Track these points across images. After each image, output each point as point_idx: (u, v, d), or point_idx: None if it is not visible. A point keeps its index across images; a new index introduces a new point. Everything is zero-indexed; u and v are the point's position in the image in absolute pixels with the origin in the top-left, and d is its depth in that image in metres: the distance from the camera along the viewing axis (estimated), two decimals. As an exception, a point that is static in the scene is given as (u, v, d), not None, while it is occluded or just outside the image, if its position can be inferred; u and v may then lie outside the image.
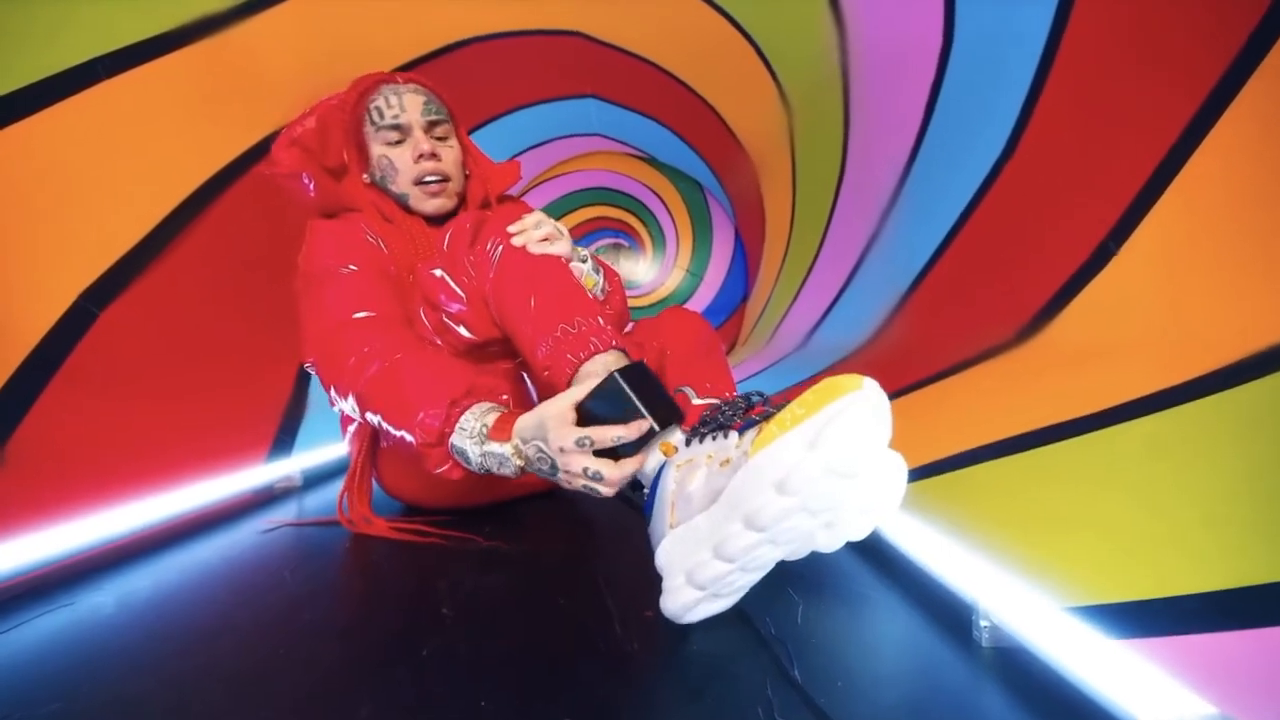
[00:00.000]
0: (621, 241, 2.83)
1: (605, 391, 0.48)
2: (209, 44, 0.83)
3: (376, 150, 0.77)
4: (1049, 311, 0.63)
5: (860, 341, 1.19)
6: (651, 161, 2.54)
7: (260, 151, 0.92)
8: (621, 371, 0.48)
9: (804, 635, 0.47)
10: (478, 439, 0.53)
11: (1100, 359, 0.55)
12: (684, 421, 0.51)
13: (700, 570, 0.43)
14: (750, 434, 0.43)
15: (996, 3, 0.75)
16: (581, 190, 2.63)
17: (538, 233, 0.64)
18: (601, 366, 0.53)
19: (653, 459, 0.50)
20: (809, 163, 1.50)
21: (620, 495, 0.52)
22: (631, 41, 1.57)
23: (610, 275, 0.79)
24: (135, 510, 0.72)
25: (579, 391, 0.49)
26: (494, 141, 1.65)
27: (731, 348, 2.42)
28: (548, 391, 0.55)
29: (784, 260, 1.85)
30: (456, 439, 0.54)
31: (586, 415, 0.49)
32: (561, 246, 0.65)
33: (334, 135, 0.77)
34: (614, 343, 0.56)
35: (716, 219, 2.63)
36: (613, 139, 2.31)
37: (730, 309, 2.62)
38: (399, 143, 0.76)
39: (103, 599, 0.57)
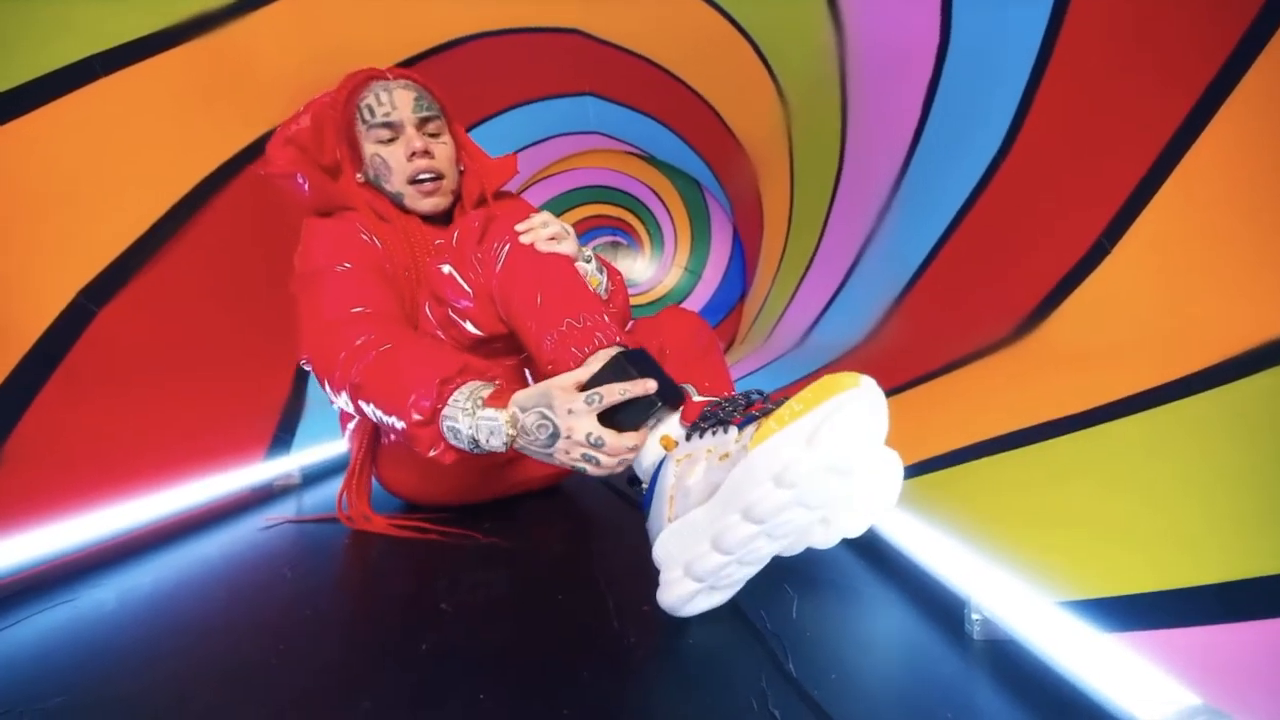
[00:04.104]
0: (620, 239, 2.83)
1: (610, 369, 0.50)
2: (206, 41, 0.82)
3: (369, 149, 0.77)
4: (1045, 308, 0.63)
5: (857, 339, 1.20)
6: (650, 159, 2.54)
7: (257, 149, 0.92)
8: (625, 353, 0.51)
9: (799, 629, 0.48)
10: (470, 409, 0.53)
11: (1097, 355, 0.55)
12: (683, 403, 0.52)
13: (698, 562, 0.44)
14: (750, 429, 0.44)
15: (993, 2, 0.75)
16: (580, 188, 2.62)
17: (545, 231, 0.65)
18: (605, 359, 0.54)
19: (652, 452, 0.51)
20: (807, 161, 1.50)
21: (614, 487, 0.53)
22: (630, 39, 1.56)
23: (613, 274, 0.79)
24: (135, 507, 0.72)
25: (583, 371, 0.51)
26: (492, 139, 1.64)
27: (729, 345, 2.42)
28: None
29: (782, 258, 1.85)
30: (449, 411, 0.54)
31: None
32: (568, 246, 0.66)
33: (328, 133, 0.76)
34: (617, 338, 0.56)
35: (715, 217, 2.63)
36: (611, 137, 2.31)
37: (728, 307, 2.62)
38: (391, 140, 0.76)
39: (103, 595, 0.57)
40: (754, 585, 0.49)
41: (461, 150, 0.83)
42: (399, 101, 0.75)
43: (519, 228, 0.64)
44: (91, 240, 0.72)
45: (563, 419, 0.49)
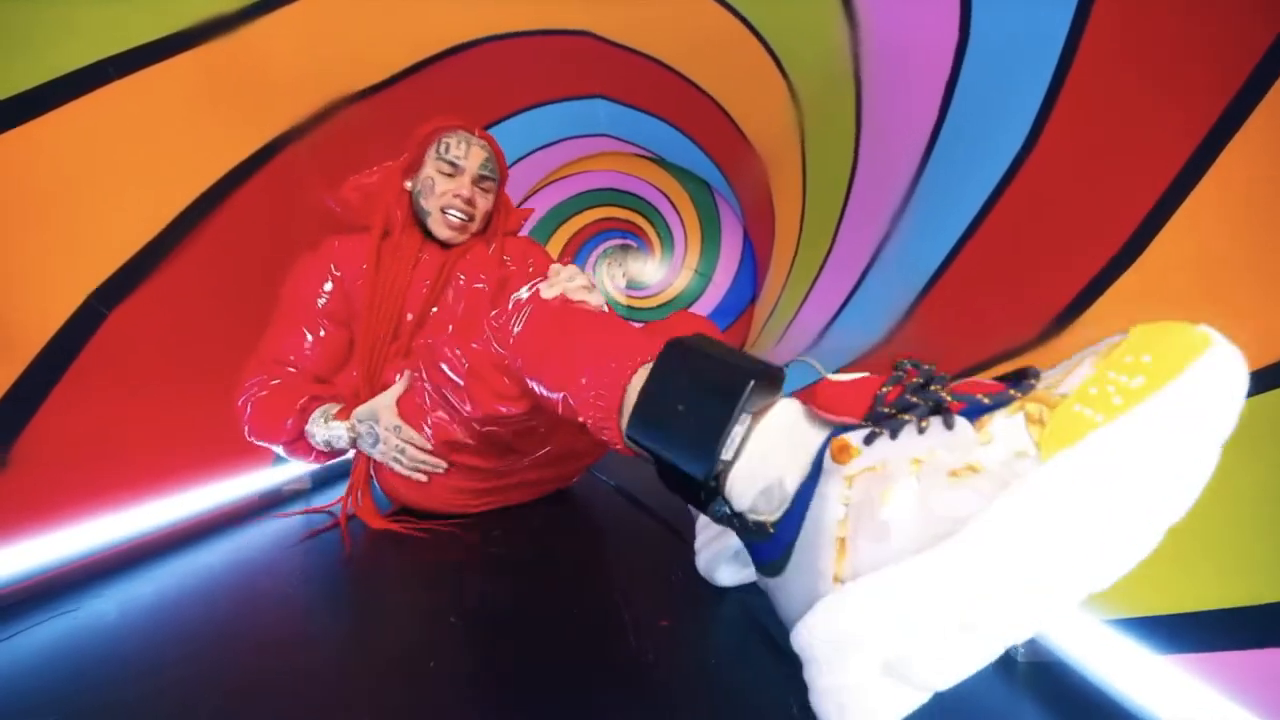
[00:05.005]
0: (630, 242, 2.82)
1: (663, 369, 0.38)
2: (219, 44, 0.83)
3: (427, 170, 0.88)
4: (1068, 315, 0.62)
5: (872, 343, 1.18)
6: (660, 162, 2.53)
7: (269, 152, 0.92)
8: (671, 344, 0.39)
9: (826, 648, 0.46)
10: (322, 421, 0.76)
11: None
12: (781, 383, 0.37)
13: (923, 662, 0.25)
14: (1007, 422, 0.26)
15: (1015, 1, 0.74)
16: (590, 191, 2.62)
17: (573, 284, 0.58)
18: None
19: (776, 464, 0.31)
20: (820, 162, 1.48)
21: (626, 493, 0.46)
22: (640, 41, 1.56)
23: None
24: (142, 514, 0.71)
25: (396, 389, 0.73)
26: (503, 142, 1.64)
27: (740, 349, 2.40)
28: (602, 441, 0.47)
29: (794, 260, 1.83)
30: (309, 426, 0.76)
31: (649, 398, 0.39)
32: (595, 299, 0.58)
33: (392, 186, 0.89)
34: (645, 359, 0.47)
35: (725, 219, 2.61)
36: (621, 139, 2.31)
37: (739, 310, 2.60)
38: (449, 176, 0.88)
39: (105, 606, 0.56)
40: (777, 600, 0.47)
41: (497, 210, 0.96)
42: (472, 155, 0.89)
43: (544, 288, 0.57)
44: (103, 243, 0.72)
45: (381, 433, 0.72)
